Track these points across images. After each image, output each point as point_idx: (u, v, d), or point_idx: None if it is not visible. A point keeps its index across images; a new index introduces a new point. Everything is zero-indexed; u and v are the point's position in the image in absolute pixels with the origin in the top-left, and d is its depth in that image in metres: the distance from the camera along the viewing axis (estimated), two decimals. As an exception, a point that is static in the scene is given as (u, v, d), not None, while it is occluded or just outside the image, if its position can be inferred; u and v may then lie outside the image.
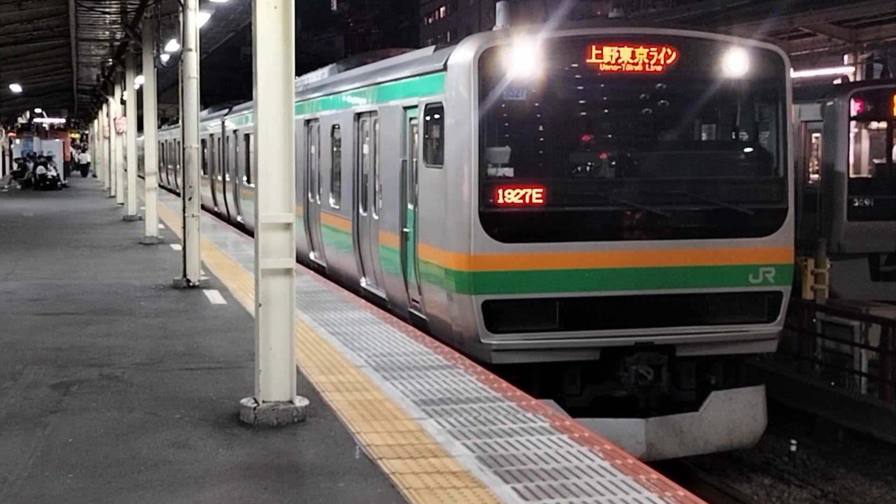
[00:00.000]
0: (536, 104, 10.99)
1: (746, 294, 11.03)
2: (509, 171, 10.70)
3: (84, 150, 72.31)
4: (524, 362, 10.45)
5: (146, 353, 9.87)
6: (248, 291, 12.93)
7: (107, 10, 22.63)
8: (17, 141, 61.11)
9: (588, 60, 10.74)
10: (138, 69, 25.36)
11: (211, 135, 30.33)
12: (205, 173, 30.92)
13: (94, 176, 61.42)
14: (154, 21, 21.53)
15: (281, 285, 7.40)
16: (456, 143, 10.65)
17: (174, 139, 38.96)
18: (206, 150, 30.89)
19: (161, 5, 20.72)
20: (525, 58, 10.47)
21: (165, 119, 52.15)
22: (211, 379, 8.80)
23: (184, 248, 14.64)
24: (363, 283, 14.19)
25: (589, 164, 11.58)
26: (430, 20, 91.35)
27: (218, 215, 28.80)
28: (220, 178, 28.85)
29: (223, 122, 28.34)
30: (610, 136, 11.80)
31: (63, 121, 65.08)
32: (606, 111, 11.83)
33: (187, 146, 14.74)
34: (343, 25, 75.65)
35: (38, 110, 60.42)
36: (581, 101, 11.58)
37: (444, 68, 10.96)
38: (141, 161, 30.28)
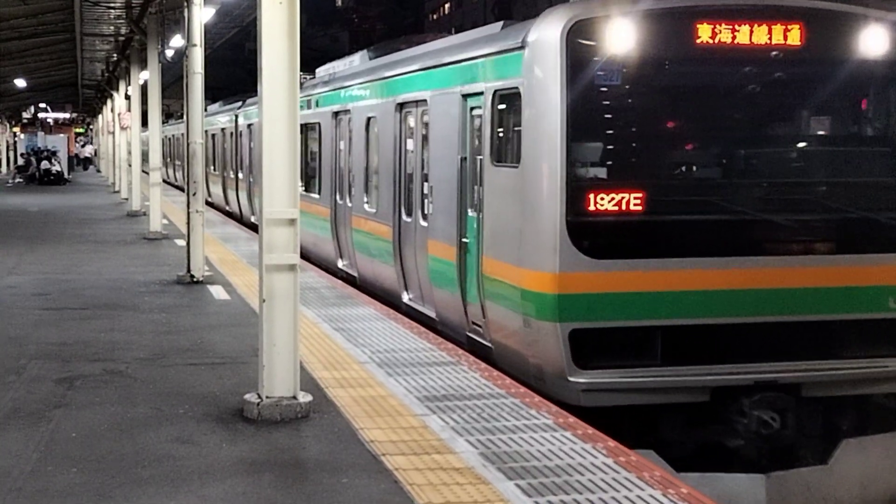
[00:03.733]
0: (636, 90, 9.17)
1: (886, 322, 9.17)
2: (602, 171, 9.07)
3: (84, 145, 72.33)
4: (619, 405, 8.64)
5: (150, 349, 9.87)
6: (252, 287, 12.93)
7: (112, 5, 22.63)
8: (22, 136, 61.16)
9: (699, 38, 8.89)
10: (143, 64, 25.37)
11: (222, 129, 28.68)
12: (215, 170, 29.87)
13: (98, 171, 61.48)
14: (159, 16, 21.54)
15: (285, 281, 7.40)
16: (536, 136, 8.87)
17: (182, 134, 38.58)
18: (216, 146, 29.57)
19: (166, 1, 20.73)
20: (623, 34, 8.66)
21: (170, 114, 52.17)
22: (214, 374, 8.80)
23: (188, 244, 14.65)
24: (405, 298, 12.48)
25: (699, 163, 9.73)
26: (434, 16, 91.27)
27: (229, 214, 27.48)
28: (232, 175, 27.14)
29: (236, 117, 26.60)
30: (725, 129, 9.62)
31: (67, 116, 65.08)
32: (720, 99, 9.56)
33: (192, 141, 14.74)
34: (348, 21, 75.63)
35: (42, 105, 60.44)
36: (690, 87, 9.57)
37: (522, 46, 9.12)
38: (145, 156, 30.27)
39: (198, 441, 6.87)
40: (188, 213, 14.76)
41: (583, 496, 5.77)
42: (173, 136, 43.02)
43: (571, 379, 8.52)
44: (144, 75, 25.20)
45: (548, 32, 8.85)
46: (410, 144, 12.48)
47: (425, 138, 11.81)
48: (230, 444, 6.81)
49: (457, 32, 15.16)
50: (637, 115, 9.35)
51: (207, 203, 28.54)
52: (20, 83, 38.84)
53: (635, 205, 8.65)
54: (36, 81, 40.22)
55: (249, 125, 23.82)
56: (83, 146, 71.77)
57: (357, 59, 17.27)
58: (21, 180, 46.99)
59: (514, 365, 9.24)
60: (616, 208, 8.62)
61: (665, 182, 9.36)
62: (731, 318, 8.87)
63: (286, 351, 7.41)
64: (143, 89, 26.41)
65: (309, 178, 17.82)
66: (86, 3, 22.01)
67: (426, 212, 11.60)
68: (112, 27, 26.59)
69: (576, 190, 8.64)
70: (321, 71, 19.59)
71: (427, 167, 11.69)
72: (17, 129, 63.06)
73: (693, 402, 8.77)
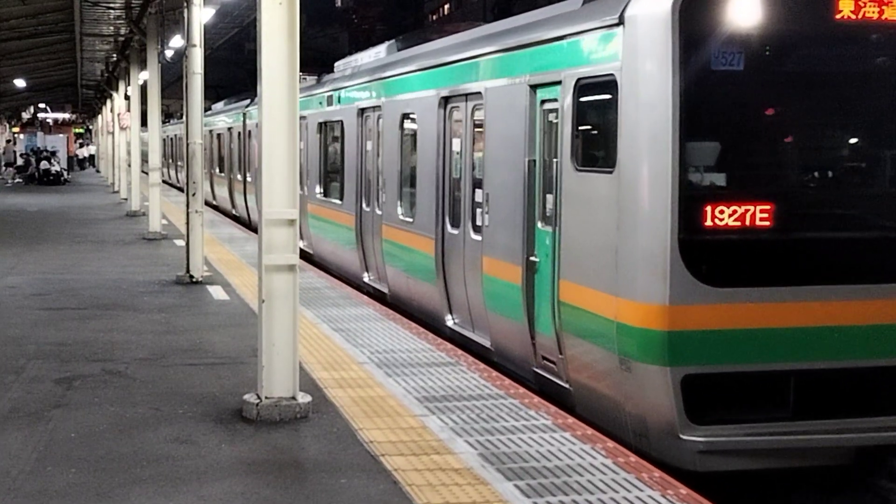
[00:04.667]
0: (764, 76, 7.39)
1: None
2: (721, 178, 7.42)
3: (82, 146, 72.39)
4: (744, 469, 7.12)
5: (149, 349, 9.87)
6: (252, 287, 12.93)
7: (111, 5, 22.62)
8: (21, 136, 61.17)
9: (839, 12, 7.19)
10: (142, 65, 25.37)
11: (229, 129, 27.03)
12: (221, 171, 28.61)
13: (97, 171, 61.47)
14: (158, 17, 21.53)
15: (284, 281, 7.40)
16: (638, 134, 7.23)
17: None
18: (223, 147, 28.19)
19: (165, 1, 20.72)
20: (748, 7, 7.05)
21: (170, 115, 52.15)
22: (214, 374, 8.80)
23: (187, 244, 14.64)
24: (450, 321, 11.05)
25: (841, 167, 7.92)
26: (434, 17, 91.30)
27: (237, 219, 25.91)
28: (239, 177, 25.42)
29: (244, 115, 24.86)
30: (872, 126, 7.78)
31: (67, 116, 65.10)
32: (867, 88, 7.65)
33: (191, 142, 14.74)
34: (347, 22, 75.66)
35: (42, 105, 60.45)
36: (828, 73, 7.66)
37: (619, 23, 7.42)
38: (145, 156, 30.17)
39: (197, 441, 6.87)
40: (187, 214, 14.76)
41: (582, 497, 5.77)
42: (175, 135, 42.54)
43: (684, 437, 6.92)
44: (144, 75, 25.20)
45: (655, 5, 7.18)
46: (457, 145, 11.01)
47: (478, 137, 10.33)
48: (229, 444, 6.81)
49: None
50: (765, 108, 7.60)
51: (211, 206, 28.32)
52: (20, 83, 38.83)
53: (763, 219, 7.07)
54: (35, 81, 40.21)
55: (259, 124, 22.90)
56: (81, 146, 71.80)
57: (384, 51, 15.47)
58: (20, 180, 46.98)
59: (604, 414, 7.69)
60: (739, 223, 7.02)
61: (800, 191, 7.66)
62: (881, 360, 7.25)
63: (285, 351, 7.41)
64: (143, 89, 26.41)
65: (329, 181, 16.59)
66: (85, 4, 22.00)
67: (480, 223, 10.07)
68: (111, 27, 26.58)
69: (690, 201, 7.01)
70: (341, 64, 18.20)
71: (481, 171, 10.16)
72: (16, 130, 63.07)
73: (832, 466, 7.21)
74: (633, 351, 7.18)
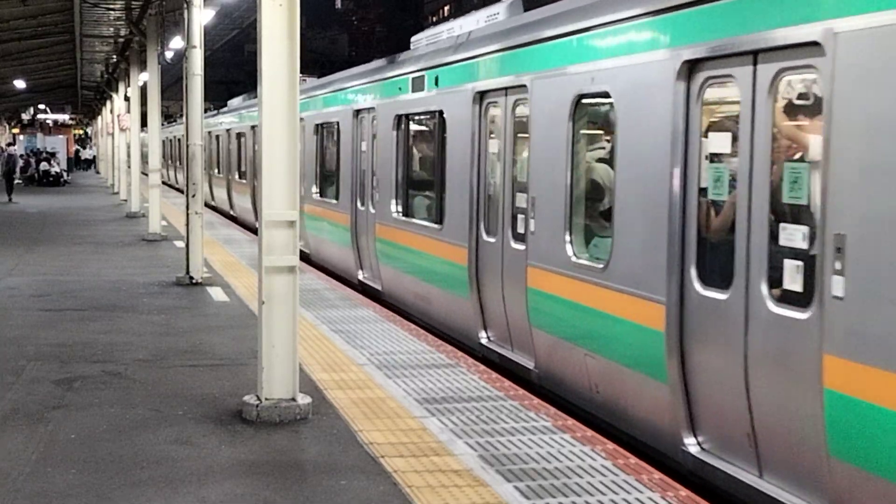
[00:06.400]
0: None
1: None
2: None
3: (84, 147, 72.55)
4: None
5: (149, 350, 9.87)
6: (252, 289, 12.94)
7: (111, 6, 22.65)
8: (21, 137, 61.20)
9: None
10: (142, 66, 25.39)
11: (252, 127, 23.54)
12: (241, 178, 25.95)
13: (97, 172, 61.48)
14: (158, 18, 21.56)
15: (284, 283, 7.40)
16: None
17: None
18: (243, 148, 25.94)
19: (165, 2, 20.74)
20: None
21: (169, 116, 52.11)
22: (213, 376, 8.80)
23: (187, 245, 14.65)
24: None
25: None
26: (434, 19, 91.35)
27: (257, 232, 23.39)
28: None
29: None
30: None
31: (67, 117, 65.16)
32: None
33: (191, 143, 14.75)
34: (347, 24, 75.76)
35: (41, 106, 60.49)
36: None
37: None
38: (145, 158, 30.02)
39: (196, 443, 6.87)
40: (187, 215, 14.76)
41: (582, 498, 5.77)
42: (176, 137, 41.41)
43: None
44: (144, 77, 25.22)
45: None
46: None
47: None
48: (229, 445, 6.81)
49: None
50: None
51: (229, 217, 26.91)
52: (19, 84, 38.87)
53: None
54: (35, 83, 40.24)
55: None
56: (82, 148, 71.98)
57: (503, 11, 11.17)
58: (20, 181, 46.98)
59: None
60: None
61: None
62: None
63: (285, 353, 7.41)
64: (143, 91, 26.43)
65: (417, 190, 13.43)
66: (85, 5, 22.02)
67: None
68: (111, 28, 26.61)
69: None
70: (419, 39, 14.00)
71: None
72: (16, 130, 63.12)
73: None
74: None
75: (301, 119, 17.63)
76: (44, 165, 46.70)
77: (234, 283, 14.42)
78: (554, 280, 8.43)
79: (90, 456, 6.54)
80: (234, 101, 30.75)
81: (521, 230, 9.26)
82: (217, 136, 30.76)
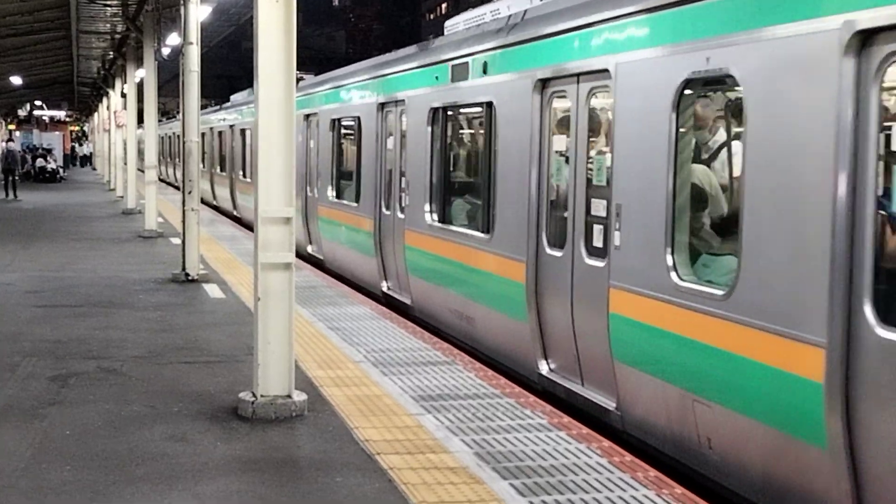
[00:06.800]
0: None
1: None
2: None
3: (81, 144, 72.55)
4: None
5: (144, 346, 9.86)
6: (247, 286, 12.93)
7: (108, 2, 22.65)
8: (17, 133, 61.13)
9: None
10: (139, 62, 25.36)
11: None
12: (244, 176, 24.51)
13: (94, 169, 61.42)
14: (155, 14, 21.53)
15: (280, 279, 7.39)
16: None
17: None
18: (244, 145, 24.53)
19: (162, -2, 20.74)
20: None
21: (166, 112, 52.03)
22: (209, 373, 8.79)
23: (183, 242, 14.65)
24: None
25: None
26: (431, 16, 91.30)
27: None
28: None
29: None
30: None
31: (63, 114, 65.10)
32: None
33: (187, 140, 14.74)
34: (344, 21, 75.76)
35: (38, 103, 60.41)
36: None
37: None
38: (142, 154, 29.88)
39: (192, 439, 6.86)
40: (183, 212, 14.75)
41: (577, 496, 5.77)
42: (175, 133, 39.63)
43: None
44: (140, 73, 25.21)
45: None
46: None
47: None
48: (224, 442, 6.80)
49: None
50: None
51: (233, 218, 25.60)
52: (16, 80, 38.79)
53: None
54: (31, 79, 40.16)
55: (308, 116, 17.81)
56: (80, 144, 72.01)
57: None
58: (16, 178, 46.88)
59: None
60: None
61: None
62: None
63: (281, 349, 7.41)
64: (139, 87, 26.40)
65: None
66: (82, 1, 21.99)
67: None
68: (108, 25, 26.59)
69: None
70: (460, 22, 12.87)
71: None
72: (12, 126, 63.05)
73: None
74: None
75: (315, 113, 17.37)
76: (40, 162, 46.63)
77: (231, 279, 14.41)
78: (649, 307, 7.04)
79: (85, 452, 6.53)
80: (238, 96, 29.78)
81: (598, 243, 7.86)
82: (220, 133, 30.04)
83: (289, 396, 7.41)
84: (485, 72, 10.06)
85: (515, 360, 9.33)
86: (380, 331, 10.60)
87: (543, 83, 8.77)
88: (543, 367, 8.84)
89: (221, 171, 29.44)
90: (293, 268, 7.44)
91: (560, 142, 8.65)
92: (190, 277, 14.34)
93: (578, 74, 8.16)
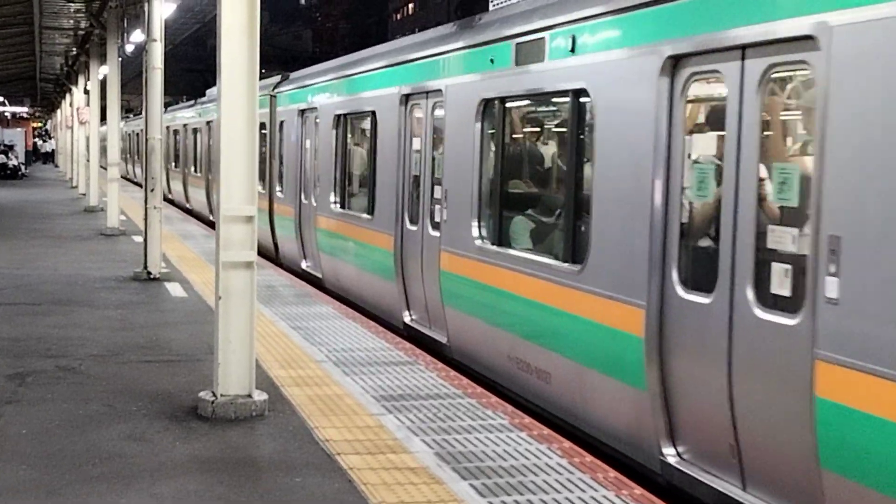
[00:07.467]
0: None
1: None
2: None
3: (44, 140, 71.87)
4: None
5: (104, 345, 9.77)
6: (210, 284, 12.82)
7: (71, -2, 22.44)
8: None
9: None
10: (103, 59, 25.15)
11: (282, 122, 17.69)
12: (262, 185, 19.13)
13: (56, 166, 60.86)
14: (119, 10, 21.36)
15: (241, 278, 7.35)
16: None
17: (176, 129, 31.94)
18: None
19: (126, -5, 20.57)
20: None
21: (130, 110, 51.61)
22: (169, 372, 8.73)
23: (145, 240, 14.54)
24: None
25: None
26: (398, 16, 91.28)
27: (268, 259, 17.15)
28: (279, 191, 17.46)
29: (271, 101, 17.88)
30: None
31: (25, 110, 64.43)
32: None
33: (150, 137, 14.64)
34: (311, 20, 75.54)
35: (0, 99, 59.75)
36: None
37: None
38: (105, 151, 29.64)
39: (150, 439, 6.81)
40: (146, 210, 14.64)
41: (537, 497, 5.78)
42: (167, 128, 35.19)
43: None
44: (104, 70, 25.01)
45: None
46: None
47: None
48: (183, 442, 6.76)
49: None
50: None
51: (209, 224, 24.89)
52: (-23, 76, 38.39)
53: None
54: (-7, 74, 39.79)
55: (302, 111, 15.95)
56: (44, 142, 71.30)
57: None
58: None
59: None
60: None
61: None
62: None
63: (242, 349, 7.37)
64: (103, 84, 26.19)
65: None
66: (45, -4, 21.80)
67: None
68: (71, 21, 26.34)
69: None
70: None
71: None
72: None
73: None
74: None
75: (313, 108, 15.23)
76: (1, 158, 46.14)
77: (193, 278, 14.32)
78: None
79: (42, 451, 6.46)
80: (215, 90, 29.15)
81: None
82: (195, 130, 27.95)
83: (249, 396, 7.38)
84: (572, 50, 7.66)
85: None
86: (342, 330, 10.58)
87: (675, 62, 6.46)
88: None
89: (196, 171, 27.49)
90: (255, 266, 7.41)
91: (702, 141, 6.44)
92: (152, 276, 14.24)
93: (744, 46, 5.78)
